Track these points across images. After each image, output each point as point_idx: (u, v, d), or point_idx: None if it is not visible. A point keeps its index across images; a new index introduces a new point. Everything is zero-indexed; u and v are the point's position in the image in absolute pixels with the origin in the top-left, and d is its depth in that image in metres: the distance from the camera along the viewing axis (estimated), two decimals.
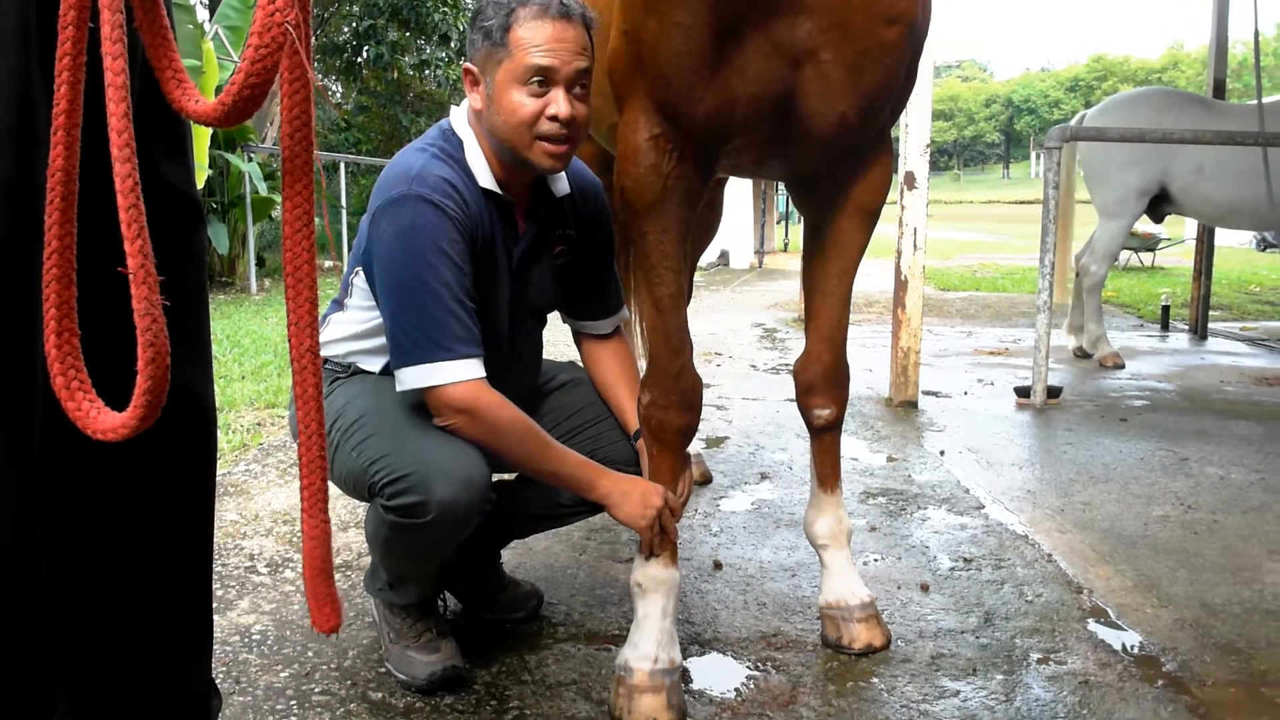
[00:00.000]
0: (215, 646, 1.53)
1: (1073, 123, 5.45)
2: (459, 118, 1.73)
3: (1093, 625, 2.07)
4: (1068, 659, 1.91)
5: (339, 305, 1.81)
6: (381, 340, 1.71)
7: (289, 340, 0.83)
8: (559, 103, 1.58)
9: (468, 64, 1.66)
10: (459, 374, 1.58)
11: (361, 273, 1.73)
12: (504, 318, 1.76)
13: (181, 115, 0.79)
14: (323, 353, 1.75)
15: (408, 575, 1.79)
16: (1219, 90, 6.31)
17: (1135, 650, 1.96)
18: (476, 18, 1.64)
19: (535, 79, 1.57)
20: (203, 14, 11.21)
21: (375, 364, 1.76)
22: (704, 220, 3.12)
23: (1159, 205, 5.47)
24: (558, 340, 2.05)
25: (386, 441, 1.60)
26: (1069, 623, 2.08)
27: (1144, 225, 6.52)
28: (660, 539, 1.72)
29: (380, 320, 1.69)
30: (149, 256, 0.74)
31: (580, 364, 2.01)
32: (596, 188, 1.90)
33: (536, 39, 1.56)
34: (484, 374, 1.61)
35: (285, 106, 0.76)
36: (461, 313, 1.59)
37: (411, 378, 1.60)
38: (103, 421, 0.79)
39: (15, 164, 0.88)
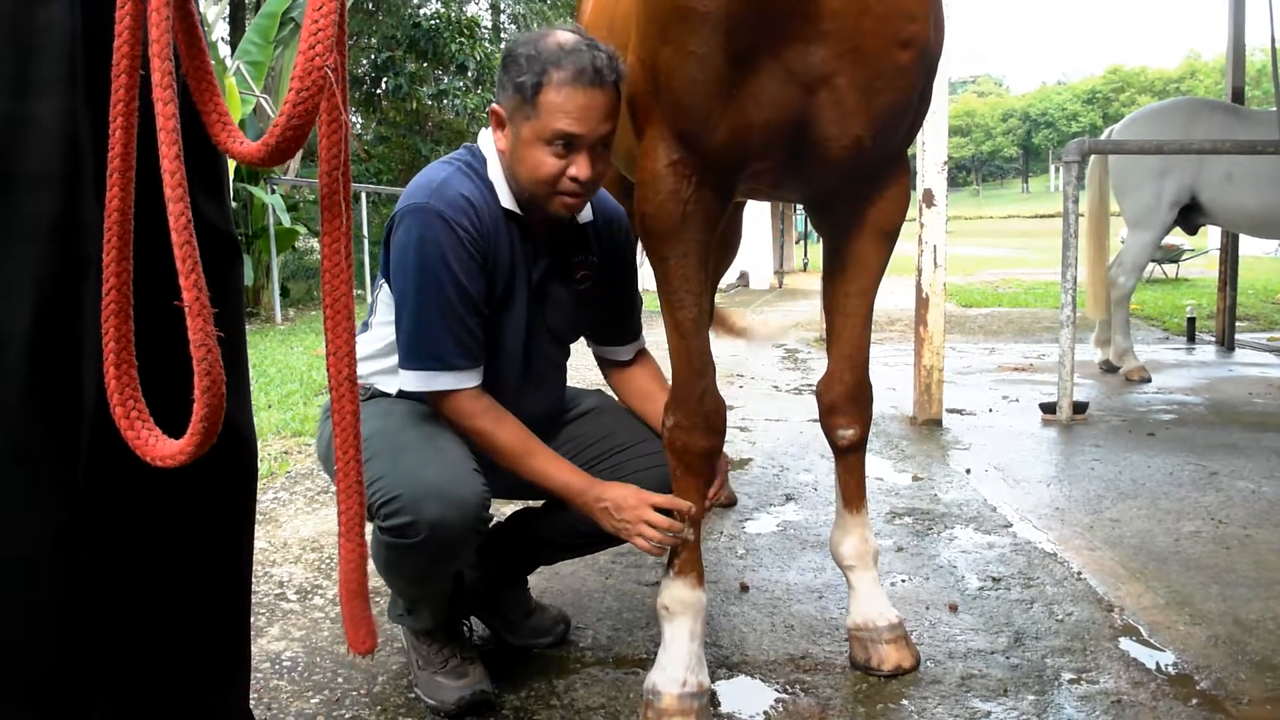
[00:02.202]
0: None
1: (1102, 138, 5.42)
2: (486, 140, 1.77)
3: (1124, 643, 2.05)
4: (1100, 678, 1.90)
5: (365, 326, 1.85)
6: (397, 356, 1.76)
7: (328, 369, 0.86)
8: (581, 166, 1.62)
9: (495, 105, 1.69)
10: (444, 384, 1.68)
11: (386, 286, 1.77)
12: (519, 337, 1.79)
13: (225, 155, 0.82)
14: None
15: (416, 597, 1.81)
16: (1238, 98, 6.27)
17: (1168, 668, 1.94)
18: (509, 62, 1.65)
19: (560, 142, 1.61)
20: (224, 49, 11.44)
21: (393, 384, 1.79)
22: (724, 242, 3.14)
23: (1192, 216, 5.40)
24: (582, 367, 2.07)
25: (385, 463, 1.63)
26: (1100, 641, 2.06)
27: (1168, 237, 6.47)
28: (667, 547, 1.73)
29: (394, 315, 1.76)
30: (203, 290, 0.77)
31: (605, 392, 2.03)
32: (620, 215, 1.93)
33: (566, 105, 1.58)
34: (472, 385, 1.69)
35: (323, 146, 0.79)
36: (458, 327, 1.66)
37: (409, 381, 1.71)
38: (161, 449, 0.81)
39: (63, 203, 0.91)
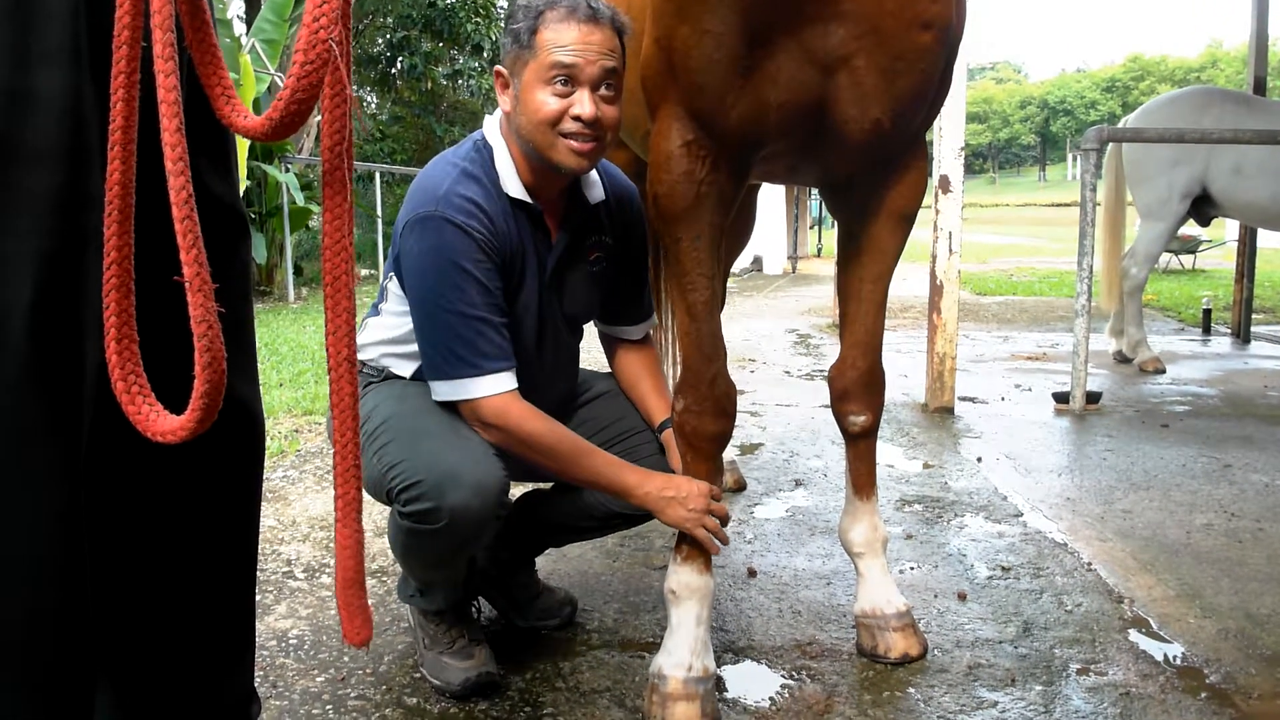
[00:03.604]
0: None
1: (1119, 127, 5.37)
2: (491, 126, 1.75)
3: (1134, 635, 2.04)
4: (1108, 670, 1.88)
5: (376, 310, 1.84)
6: (414, 345, 1.74)
7: (327, 349, 0.85)
8: (583, 103, 1.59)
9: (499, 67, 1.68)
10: (485, 389, 1.63)
11: (395, 278, 1.76)
12: (532, 325, 1.77)
13: (229, 130, 0.81)
14: (359, 356, 1.78)
15: (432, 581, 1.81)
16: (1260, 88, 6.19)
17: (1178, 661, 1.92)
18: (508, 21, 1.66)
19: (559, 78, 1.58)
20: (239, 27, 11.42)
21: (407, 369, 1.78)
22: (737, 226, 3.12)
23: (1203, 207, 5.37)
24: (594, 349, 2.06)
25: (404, 448, 1.62)
26: (1109, 633, 2.05)
27: (1185, 228, 6.43)
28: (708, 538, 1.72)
29: (413, 325, 1.72)
30: (204, 265, 0.76)
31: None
32: (632, 194, 1.90)
33: (562, 39, 1.58)
34: (514, 386, 1.65)
35: (326, 121, 0.77)
36: (487, 329, 1.63)
37: (443, 391, 1.66)
38: (162, 424, 0.81)
39: (66, 177, 0.90)
